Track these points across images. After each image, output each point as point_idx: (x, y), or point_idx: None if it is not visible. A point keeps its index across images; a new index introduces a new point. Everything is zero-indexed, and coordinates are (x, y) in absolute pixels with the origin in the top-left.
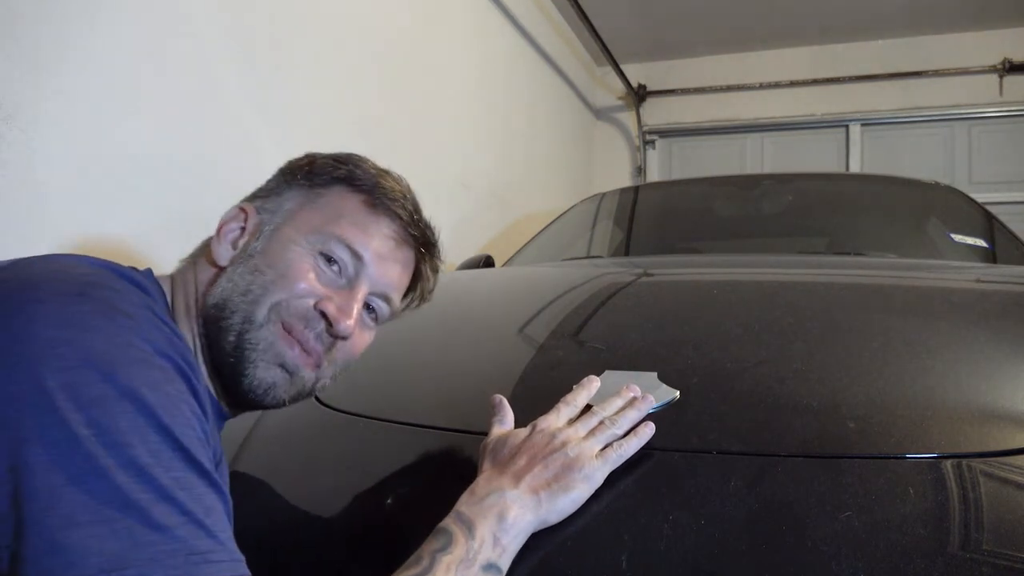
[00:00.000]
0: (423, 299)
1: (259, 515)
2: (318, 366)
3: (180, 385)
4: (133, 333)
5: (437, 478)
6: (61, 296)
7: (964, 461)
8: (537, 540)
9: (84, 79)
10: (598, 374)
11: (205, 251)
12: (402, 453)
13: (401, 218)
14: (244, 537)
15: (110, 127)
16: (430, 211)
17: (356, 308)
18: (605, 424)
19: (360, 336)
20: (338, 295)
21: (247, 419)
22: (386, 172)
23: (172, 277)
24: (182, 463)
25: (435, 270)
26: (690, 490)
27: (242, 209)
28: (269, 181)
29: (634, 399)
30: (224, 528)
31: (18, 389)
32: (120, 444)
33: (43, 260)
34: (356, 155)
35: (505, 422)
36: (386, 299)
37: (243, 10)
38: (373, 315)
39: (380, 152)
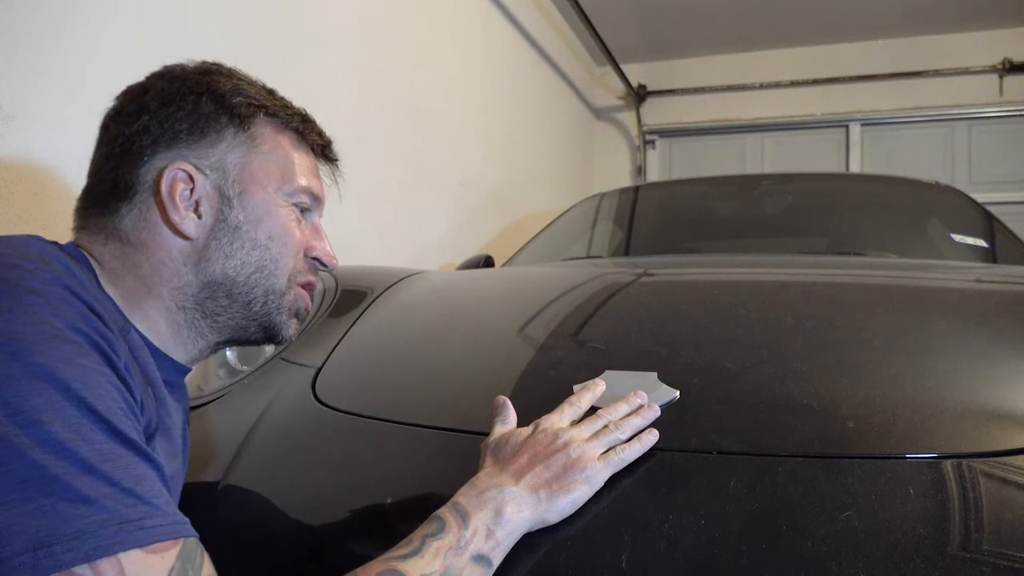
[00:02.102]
0: None
1: (259, 514)
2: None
3: (96, 358)
4: (43, 311)
5: (437, 478)
6: None
7: (964, 461)
8: (537, 540)
9: (85, 79)
10: (598, 374)
11: (144, 217)
12: (402, 453)
13: (321, 144)
14: (244, 536)
15: None
16: (430, 211)
17: (328, 241)
18: (610, 428)
19: None
20: (314, 237)
21: (247, 418)
22: (270, 89)
23: (92, 247)
24: (105, 434)
25: (332, 174)
26: (690, 490)
27: (182, 169)
28: (173, 121)
29: (640, 406)
30: (159, 493)
31: None
32: (35, 422)
33: None
34: (222, 66)
35: (508, 422)
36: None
37: (242, 10)
38: None
39: (380, 151)
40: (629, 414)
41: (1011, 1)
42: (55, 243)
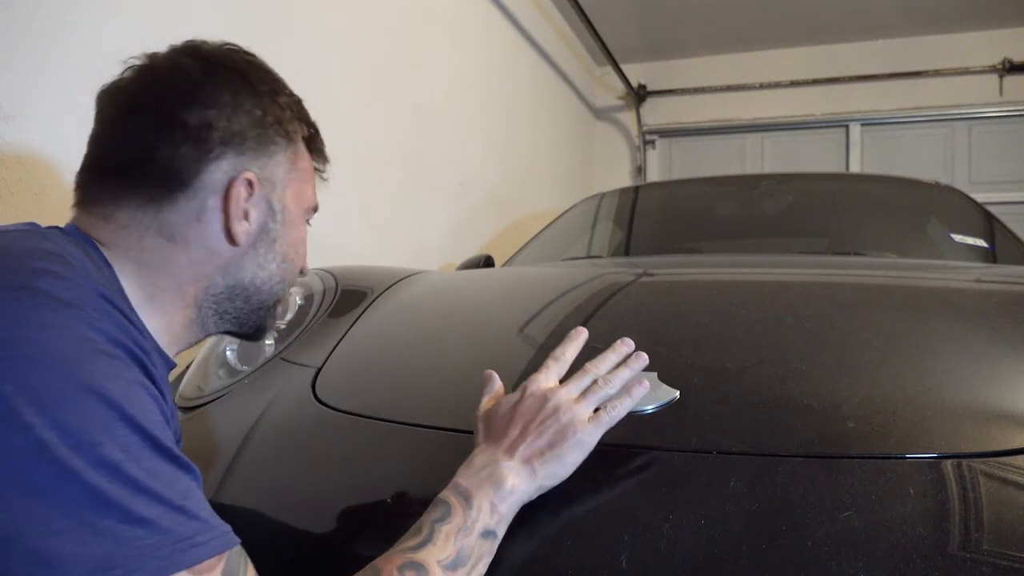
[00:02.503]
0: None
1: (259, 515)
2: None
3: (136, 372)
4: (83, 324)
5: (437, 478)
6: (4, 291)
7: (964, 461)
8: (538, 539)
9: (85, 80)
10: None
11: (198, 216)
12: (402, 453)
13: (324, 163)
14: (243, 536)
15: None
16: (430, 211)
17: None
18: (599, 384)
19: None
20: None
21: (247, 418)
22: (299, 99)
23: (114, 239)
24: (151, 452)
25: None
26: (690, 490)
27: (248, 178)
28: (243, 127)
29: (628, 356)
30: (203, 506)
31: None
32: (88, 443)
33: None
34: (264, 63)
35: (493, 391)
36: None
37: (242, 10)
38: None
39: (380, 151)
40: (618, 365)
41: (1011, 1)
42: (57, 230)
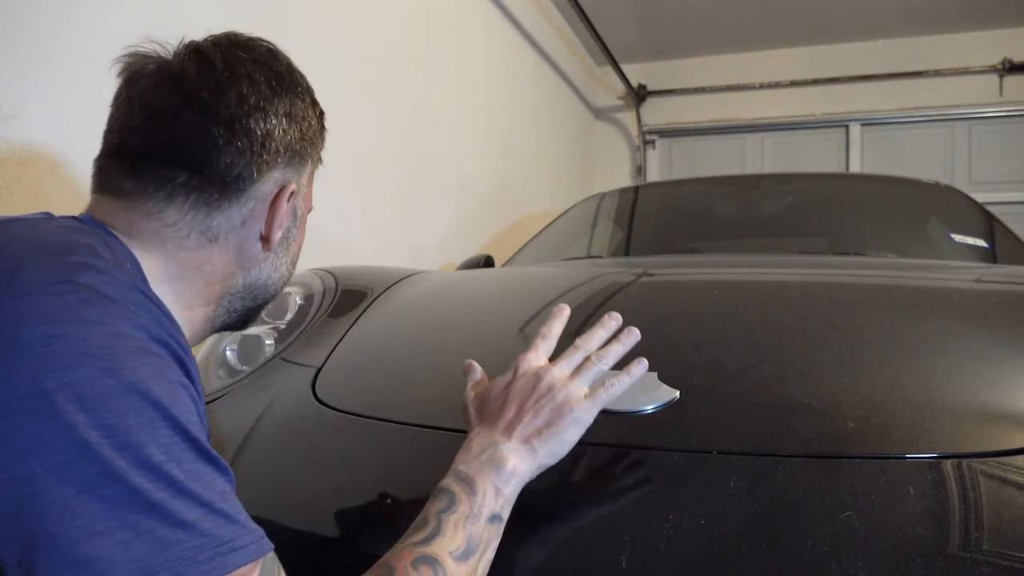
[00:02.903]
0: None
1: (258, 515)
2: None
3: (177, 371)
4: (126, 321)
5: (437, 478)
6: (47, 285)
7: (964, 461)
8: (538, 539)
9: (85, 80)
10: None
11: (243, 222)
12: (402, 453)
13: None
14: None
15: None
16: (430, 211)
17: None
18: (591, 360)
19: None
20: None
21: (247, 418)
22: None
23: (154, 237)
24: (192, 453)
25: None
26: (690, 490)
27: (292, 190)
28: (296, 141)
29: (620, 331)
30: (239, 508)
31: (14, 393)
32: (132, 444)
33: (10, 240)
34: (303, 75)
35: (476, 378)
36: None
37: (243, 10)
38: None
39: (380, 151)
40: (608, 341)
41: (1011, 1)
42: (73, 219)
